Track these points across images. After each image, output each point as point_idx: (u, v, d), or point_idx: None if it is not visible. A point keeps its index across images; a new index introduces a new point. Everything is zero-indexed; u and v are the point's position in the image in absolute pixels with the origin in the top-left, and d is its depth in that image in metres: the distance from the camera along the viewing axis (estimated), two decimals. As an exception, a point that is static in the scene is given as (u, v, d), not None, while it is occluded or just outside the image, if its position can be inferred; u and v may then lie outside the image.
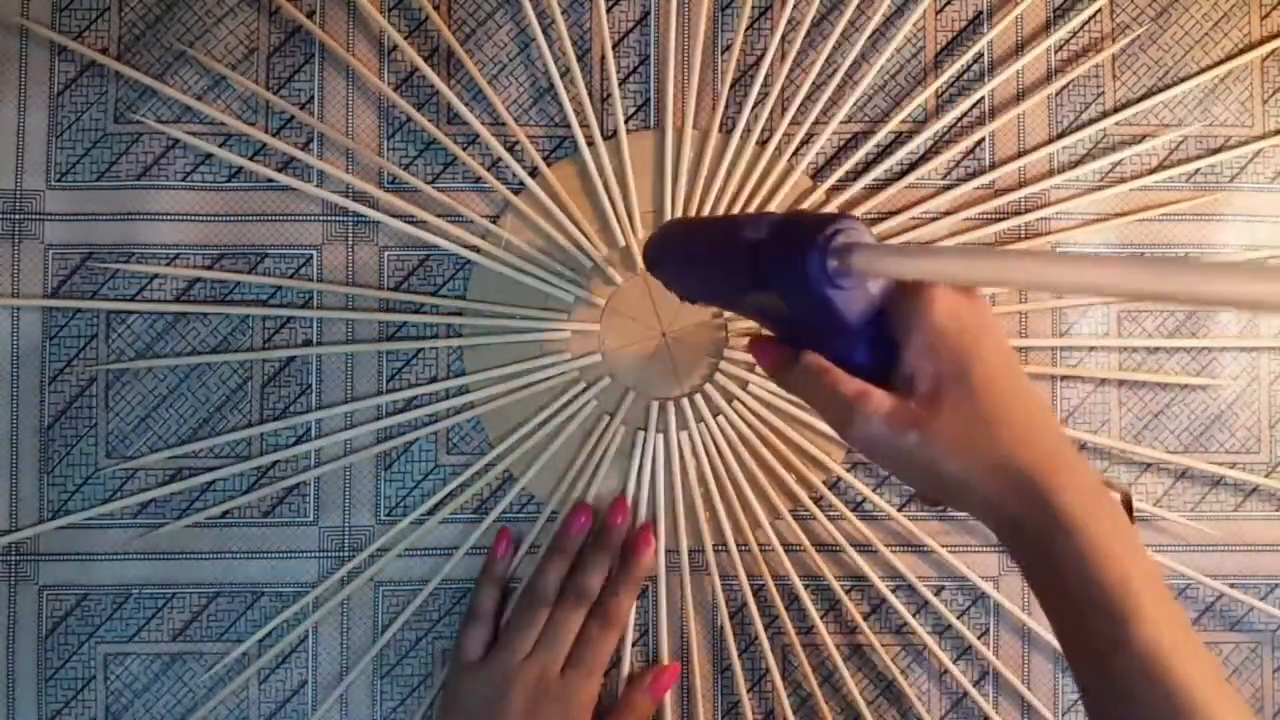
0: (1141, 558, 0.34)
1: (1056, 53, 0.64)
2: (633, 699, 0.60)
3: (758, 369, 0.62)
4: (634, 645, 0.62)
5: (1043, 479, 0.34)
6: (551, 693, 0.56)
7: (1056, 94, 0.64)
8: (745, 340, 0.62)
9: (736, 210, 0.63)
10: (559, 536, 0.61)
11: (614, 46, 0.63)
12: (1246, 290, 0.27)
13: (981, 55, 0.64)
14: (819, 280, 0.36)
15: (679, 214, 0.62)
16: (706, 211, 0.62)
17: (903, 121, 0.63)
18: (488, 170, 0.62)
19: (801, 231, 0.37)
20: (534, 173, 0.62)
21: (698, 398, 0.62)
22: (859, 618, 0.62)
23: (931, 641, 0.62)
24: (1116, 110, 0.64)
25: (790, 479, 0.62)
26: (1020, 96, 0.64)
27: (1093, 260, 0.31)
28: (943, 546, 0.62)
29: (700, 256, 0.45)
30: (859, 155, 0.62)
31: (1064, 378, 0.63)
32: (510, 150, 0.62)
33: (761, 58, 0.63)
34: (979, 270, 0.33)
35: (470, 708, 0.57)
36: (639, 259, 0.62)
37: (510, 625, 0.59)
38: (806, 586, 0.62)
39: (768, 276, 0.38)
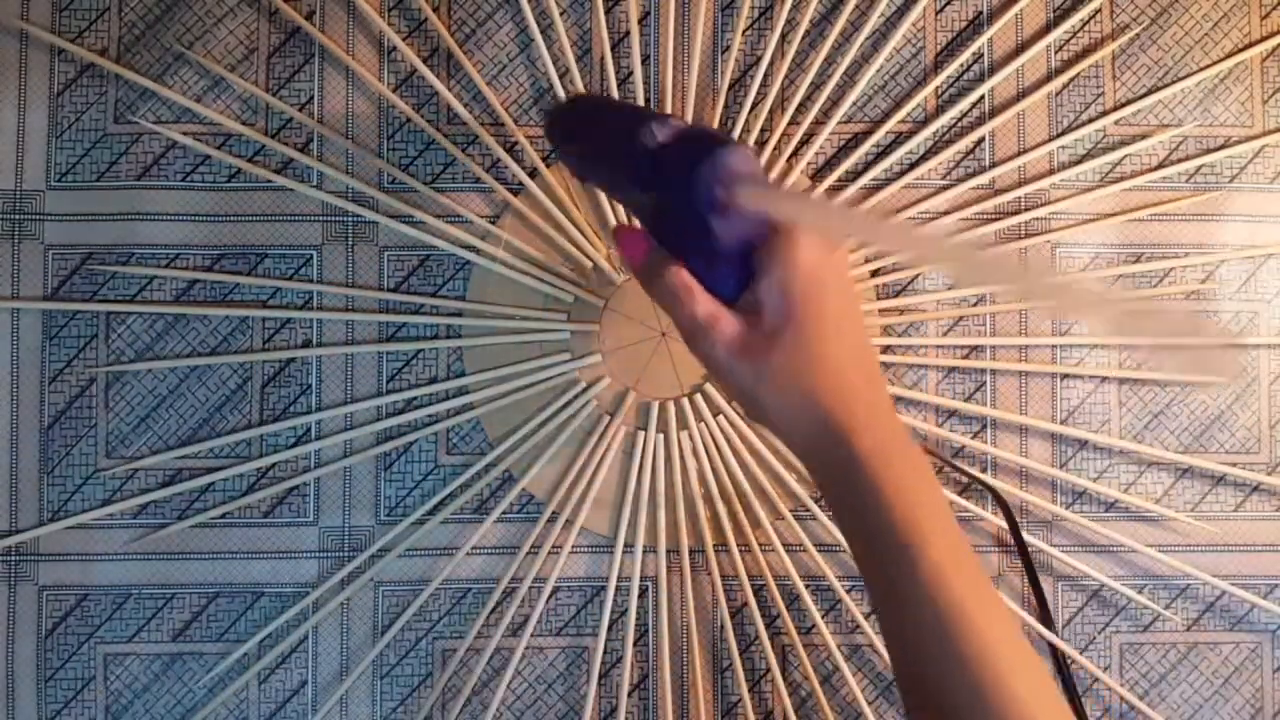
0: (930, 491, 0.37)
1: (1056, 52, 0.64)
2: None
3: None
4: (635, 645, 0.62)
5: (845, 423, 0.37)
6: None
7: (1056, 93, 0.64)
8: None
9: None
10: None
11: (613, 47, 0.63)
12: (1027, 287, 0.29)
13: (981, 55, 0.64)
14: (704, 204, 0.37)
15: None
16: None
17: (902, 121, 0.63)
18: (487, 171, 0.62)
19: (697, 152, 0.38)
20: (533, 173, 0.62)
21: (698, 398, 0.62)
22: (860, 618, 0.62)
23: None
24: (1116, 109, 0.64)
25: (790, 478, 0.62)
26: (1020, 96, 0.64)
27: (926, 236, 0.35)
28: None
29: (603, 142, 0.45)
30: (858, 155, 0.62)
31: (1064, 376, 0.63)
32: (510, 151, 0.62)
33: (760, 58, 0.63)
34: (834, 220, 0.37)
35: None
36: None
37: None
38: (807, 586, 0.62)
39: (656, 183, 0.40)
